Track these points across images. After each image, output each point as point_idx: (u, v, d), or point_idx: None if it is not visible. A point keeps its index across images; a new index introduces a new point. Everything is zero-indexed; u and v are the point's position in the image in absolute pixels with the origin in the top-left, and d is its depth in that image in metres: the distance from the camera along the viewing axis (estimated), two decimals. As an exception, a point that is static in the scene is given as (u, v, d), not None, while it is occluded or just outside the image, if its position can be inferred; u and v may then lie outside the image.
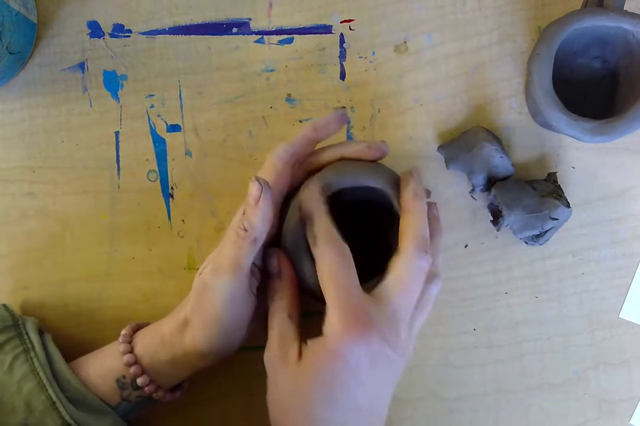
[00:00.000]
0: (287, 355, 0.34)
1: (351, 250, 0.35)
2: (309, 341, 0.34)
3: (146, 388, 0.38)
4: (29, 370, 0.37)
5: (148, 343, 0.39)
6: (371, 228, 0.42)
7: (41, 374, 0.37)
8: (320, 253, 0.34)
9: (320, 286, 0.34)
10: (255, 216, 0.35)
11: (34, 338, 0.39)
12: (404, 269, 0.34)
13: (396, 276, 0.35)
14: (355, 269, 0.34)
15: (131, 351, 0.39)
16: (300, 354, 0.34)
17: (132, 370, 0.38)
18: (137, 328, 0.41)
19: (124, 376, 0.38)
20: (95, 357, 0.40)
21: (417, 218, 0.36)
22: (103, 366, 0.39)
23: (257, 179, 0.35)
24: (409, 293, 0.35)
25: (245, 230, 0.35)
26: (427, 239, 0.35)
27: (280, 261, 0.37)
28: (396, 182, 0.38)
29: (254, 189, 0.35)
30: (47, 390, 0.37)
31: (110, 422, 0.38)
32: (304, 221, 0.36)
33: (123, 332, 0.40)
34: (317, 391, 0.33)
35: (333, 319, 0.33)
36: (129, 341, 0.39)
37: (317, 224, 0.35)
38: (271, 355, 0.35)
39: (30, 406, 0.36)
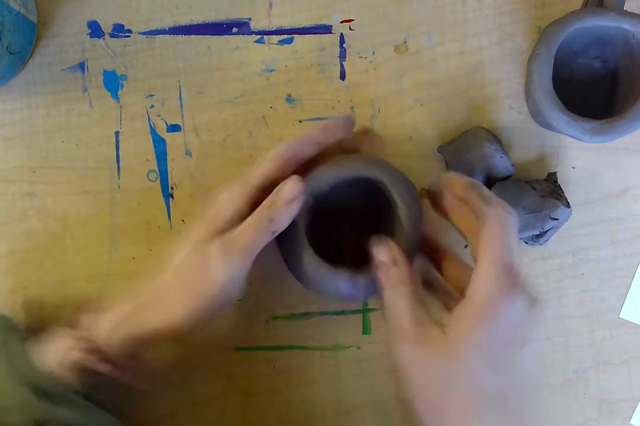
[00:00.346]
0: (429, 335, 0.33)
1: (353, 241, 0.36)
2: (454, 309, 0.33)
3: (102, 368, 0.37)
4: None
5: (105, 324, 0.37)
6: (372, 217, 0.42)
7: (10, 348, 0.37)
8: (493, 211, 0.34)
9: (479, 245, 0.33)
10: (286, 214, 0.35)
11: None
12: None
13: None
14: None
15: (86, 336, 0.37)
16: (443, 331, 0.33)
17: (88, 356, 0.37)
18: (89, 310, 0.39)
19: (81, 364, 0.37)
20: (50, 343, 0.38)
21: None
22: (58, 352, 0.37)
23: (299, 180, 0.35)
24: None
25: (271, 221, 0.35)
26: (515, 264, 0.33)
27: (393, 248, 0.36)
28: (394, 173, 0.37)
29: (293, 189, 0.35)
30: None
31: (83, 412, 0.37)
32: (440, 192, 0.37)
33: (73, 316, 0.39)
34: (476, 356, 0.32)
35: (488, 276, 0.32)
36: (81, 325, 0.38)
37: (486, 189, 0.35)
38: (408, 341, 0.33)
39: None
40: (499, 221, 0.33)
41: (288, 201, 0.35)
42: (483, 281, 0.32)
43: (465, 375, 0.32)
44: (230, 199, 0.37)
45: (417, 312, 0.34)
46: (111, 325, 0.37)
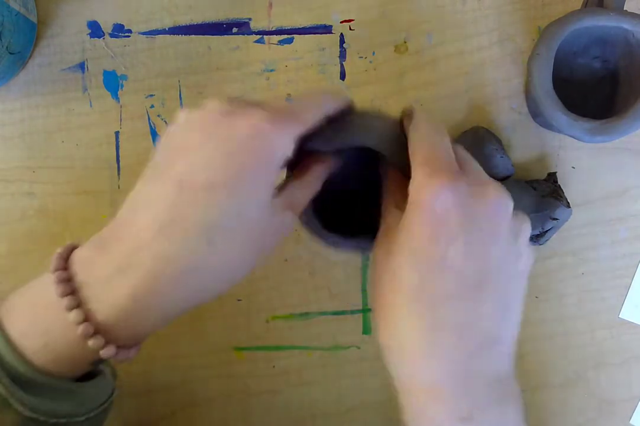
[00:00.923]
0: (389, 235, 0.31)
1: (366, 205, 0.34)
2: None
3: (79, 328, 0.29)
4: None
5: (97, 270, 0.29)
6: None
7: None
8: (415, 124, 0.32)
9: (411, 153, 0.31)
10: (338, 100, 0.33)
11: None
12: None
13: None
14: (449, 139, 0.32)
15: (72, 293, 0.29)
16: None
17: (73, 315, 0.29)
18: (72, 249, 0.31)
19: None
20: (25, 312, 0.30)
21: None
22: (39, 327, 0.30)
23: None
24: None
25: (324, 94, 0.33)
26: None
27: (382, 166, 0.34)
28: (393, 137, 0.34)
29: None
30: None
31: (78, 401, 0.31)
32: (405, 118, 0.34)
33: (59, 249, 0.31)
34: (400, 253, 0.29)
35: (417, 173, 0.29)
36: (65, 272, 0.30)
37: (416, 116, 0.33)
38: (377, 245, 0.32)
39: None
40: (424, 129, 0.32)
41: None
42: (412, 182, 0.30)
43: (391, 270, 0.30)
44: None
45: (391, 219, 0.31)
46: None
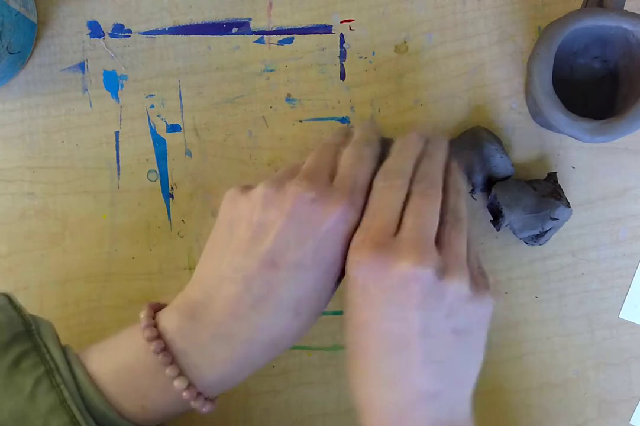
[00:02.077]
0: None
1: None
2: None
3: (184, 393, 0.32)
4: (58, 401, 0.31)
5: (185, 329, 0.32)
6: None
7: (73, 408, 0.31)
8: (375, 186, 0.34)
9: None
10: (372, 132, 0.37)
11: (56, 353, 0.32)
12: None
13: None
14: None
15: (172, 362, 0.32)
16: None
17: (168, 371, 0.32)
18: (158, 308, 0.34)
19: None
20: (120, 376, 0.32)
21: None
22: (137, 392, 0.32)
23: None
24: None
25: (369, 146, 0.35)
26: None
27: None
28: None
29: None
30: None
31: None
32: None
33: (143, 314, 0.33)
34: (346, 312, 0.33)
35: (355, 236, 0.32)
36: (153, 325, 0.33)
37: (390, 160, 0.35)
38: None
39: None
40: (376, 191, 0.33)
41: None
42: (352, 242, 0.32)
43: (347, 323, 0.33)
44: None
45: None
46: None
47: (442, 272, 0.31)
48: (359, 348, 0.32)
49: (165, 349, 0.32)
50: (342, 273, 0.33)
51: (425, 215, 0.32)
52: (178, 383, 0.32)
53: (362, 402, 0.32)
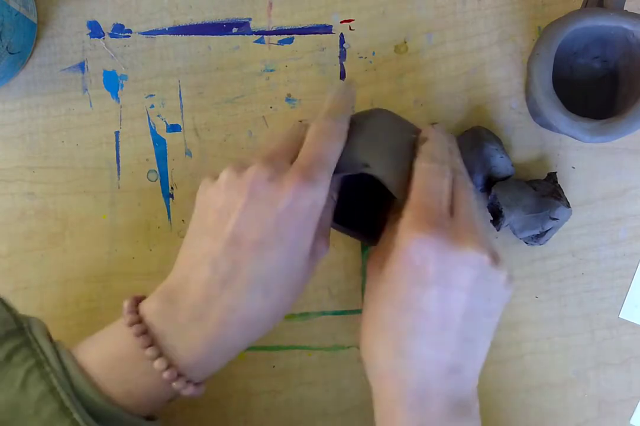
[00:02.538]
0: (382, 253, 0.35)
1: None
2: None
3: (165, 374, 0.33)
4: (47, 389, 0.32)
5: (168, 316, 0.33)
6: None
7: (62, 395, 0.32)
8: (423, 167, 0.34)
9: (411, 188, 0.34)
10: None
11: (46, 347, 0.34)
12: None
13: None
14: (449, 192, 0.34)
15: (152, 343, 0.33)
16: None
17: (148, 352, 0.33)
18: (143, 299, 0.35)
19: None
20: (104, 361, 0.34)
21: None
22: (120, 375, 0.33)
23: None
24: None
25: (335, 121, 0.35)
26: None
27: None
28: (405, 156, 0.36)
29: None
30: (71, 414, 0.31)
31: None
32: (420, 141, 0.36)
33: (126, 303, 0.35)
34: (386, 288, 0.33)
35: (406, 215, 0.32)
36: (137, 318, 0.34)
37: (430, 144, 0.36)
38: (371, 257, 0.36)
39: None
40: (425, 172, 0.34)
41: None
42: (401, 222, 0.32)
43: (373, 298, 0.34)
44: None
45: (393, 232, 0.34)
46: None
47: (495, 260, 0.32)
48: (394, 323, 0.32)
49: (146, 333, 0.33)
50: (313, 251, 0.34)
51: (473, 205, 0.34)
52: (158, 364, 0.33)
53: (385, 372, 0.33)
